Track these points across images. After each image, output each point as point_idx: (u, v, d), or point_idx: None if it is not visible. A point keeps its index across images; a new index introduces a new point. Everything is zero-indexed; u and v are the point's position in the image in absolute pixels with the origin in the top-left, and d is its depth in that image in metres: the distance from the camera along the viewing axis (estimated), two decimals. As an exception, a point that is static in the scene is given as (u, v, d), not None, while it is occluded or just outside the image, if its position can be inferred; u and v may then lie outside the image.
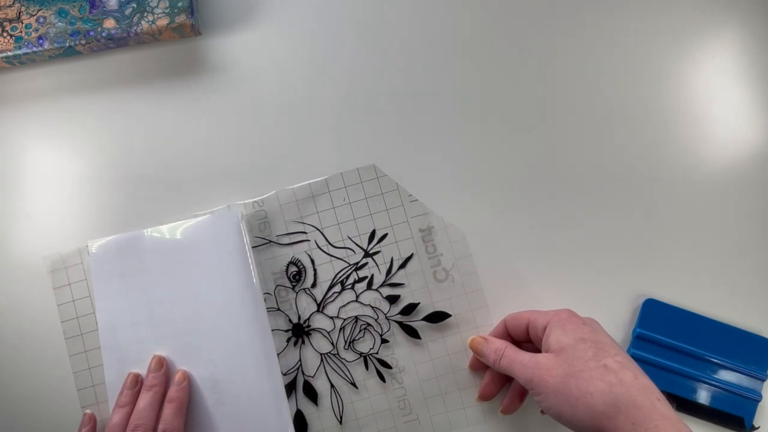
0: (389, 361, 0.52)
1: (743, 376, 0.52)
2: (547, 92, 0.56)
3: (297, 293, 0.53)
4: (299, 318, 0.53)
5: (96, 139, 0.55)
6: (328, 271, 0.53)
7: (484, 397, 0.51)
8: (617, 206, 0.54)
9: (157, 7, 0.53)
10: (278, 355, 0.52)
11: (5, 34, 0.52)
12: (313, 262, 0.53)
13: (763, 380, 0.52)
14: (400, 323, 0.53)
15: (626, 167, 0.55)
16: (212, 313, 0.51)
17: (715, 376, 0.52)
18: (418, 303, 0.53)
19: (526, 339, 0.49)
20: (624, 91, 0.56)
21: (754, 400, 0.52)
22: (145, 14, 0.53)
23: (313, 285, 0.53)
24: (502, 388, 0.51)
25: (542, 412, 0.50)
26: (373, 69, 0.56)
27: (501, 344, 0.48)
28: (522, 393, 0.50)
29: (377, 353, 0.53)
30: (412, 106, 0.56)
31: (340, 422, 0.52)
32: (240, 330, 0.51)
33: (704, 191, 0.55)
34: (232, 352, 0.51)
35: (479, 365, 0.52)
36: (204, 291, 0.51)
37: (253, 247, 0.53)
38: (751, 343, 0.52)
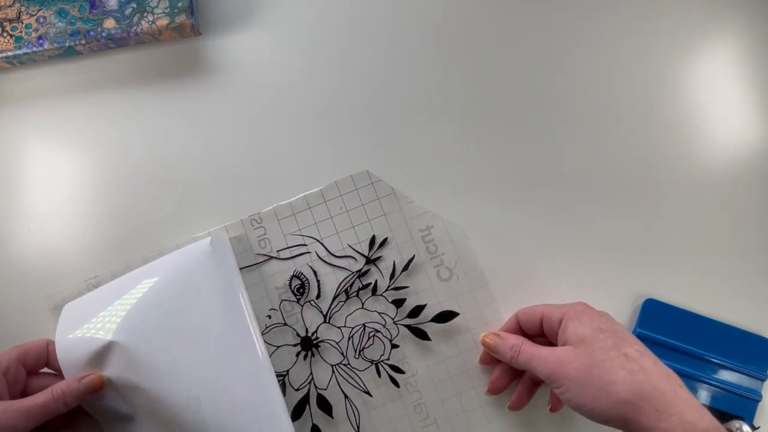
0: (401, 366, 0.52)
1: (743, 376, 0.52)
2: (548, 91, 0.55)
3: (302, 306, 0.53)
4: (307, 331, 0.52)
5: (96, 139, 0.55)
6: (331, 281, 0.53)
7: (494, 390, 0.51)
8: (617, 206, 0.54)
9: (157, 7, 0.53)
10: (288, 370, 0.52)
11: (5, 34, 0.52)
12: (315, 273, 0.53)
13: (763, 380, 0.52)
14: (409, 326, 0.52)
15: (627, 167, 0.55)
16: (196, 349, 0.48)
17: (715, 376, 0.52)
18: (425, 304, 0.52)
19: (539, 333, 0.49)
20: (625, 91, 0.56)
21: (754, 400, 0.52)
22: (145, 14, 0.53)
23: (318, 296, 0.53)
24: (512, 381, 0.51)
25: (551, 410, 0.50)
26: (373, 67, 0.56)
27: (516, 340, 0.48)
28: (532, 388, 0.50)
29: (388, 359, 0.52)
30: (412, 106, 0.55)
31: (358, 432, 0.51)
32: (227, 363, 0.48)
33: (705, 191, 0.55)
34: (217, 389, 0.47)
35: (489, 359, 0.51)
36: (186, 327, 0.49)
37: (254, 264, 0.53)
38: (751, 343, 0.52)
